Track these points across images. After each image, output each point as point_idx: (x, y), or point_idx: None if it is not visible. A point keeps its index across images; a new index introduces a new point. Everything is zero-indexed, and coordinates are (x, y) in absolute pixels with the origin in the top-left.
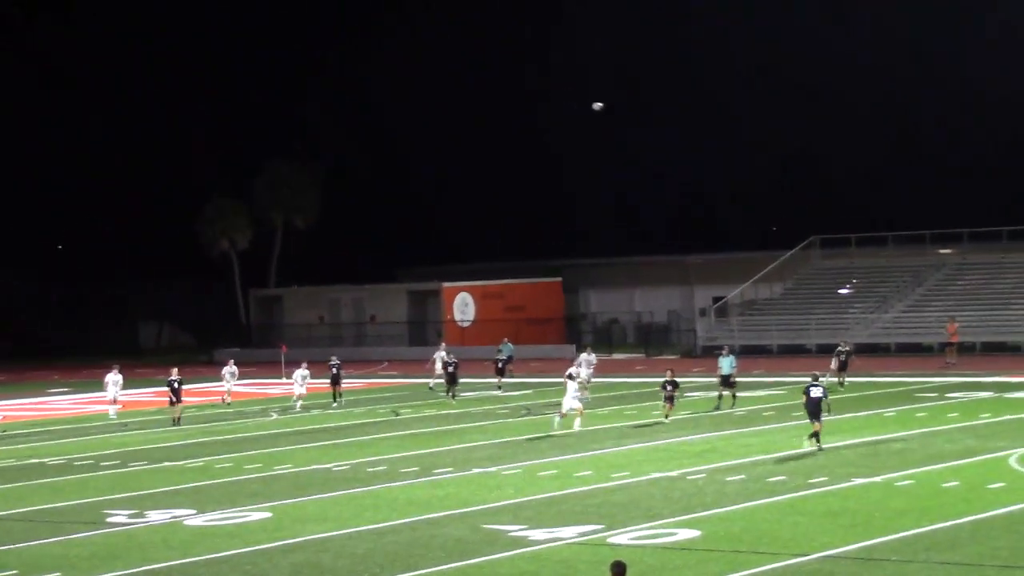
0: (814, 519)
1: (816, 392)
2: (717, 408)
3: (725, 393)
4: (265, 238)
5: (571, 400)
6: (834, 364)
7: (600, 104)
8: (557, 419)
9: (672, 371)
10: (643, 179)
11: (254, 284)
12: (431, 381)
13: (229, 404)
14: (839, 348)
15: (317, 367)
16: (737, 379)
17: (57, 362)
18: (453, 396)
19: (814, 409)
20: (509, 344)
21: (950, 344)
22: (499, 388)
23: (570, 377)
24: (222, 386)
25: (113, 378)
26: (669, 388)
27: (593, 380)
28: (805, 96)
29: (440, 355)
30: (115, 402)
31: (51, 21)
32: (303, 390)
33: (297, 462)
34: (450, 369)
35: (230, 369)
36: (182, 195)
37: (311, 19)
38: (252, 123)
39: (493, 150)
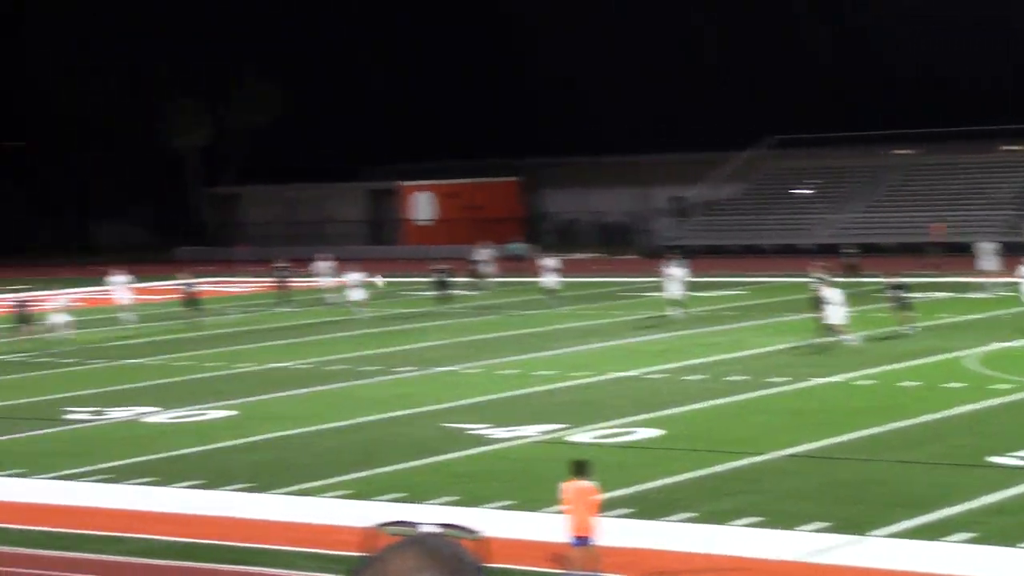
0: (775, 418)
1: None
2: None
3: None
4: (225, 137)
5: None
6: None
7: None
8: None
9: (893, 273)
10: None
11: (213, 184)
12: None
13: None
14: (844, 250)
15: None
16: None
17: (10, 260)
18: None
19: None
20: (522, 244)
21: (934, 245)
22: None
23: None
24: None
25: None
26: (894, 291)
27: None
28: None
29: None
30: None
31: None
32: (361, 294)
33: (258, 361)
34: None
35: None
36: (144, 96)
37: None
38: (215, 23)
39: (454, 45)
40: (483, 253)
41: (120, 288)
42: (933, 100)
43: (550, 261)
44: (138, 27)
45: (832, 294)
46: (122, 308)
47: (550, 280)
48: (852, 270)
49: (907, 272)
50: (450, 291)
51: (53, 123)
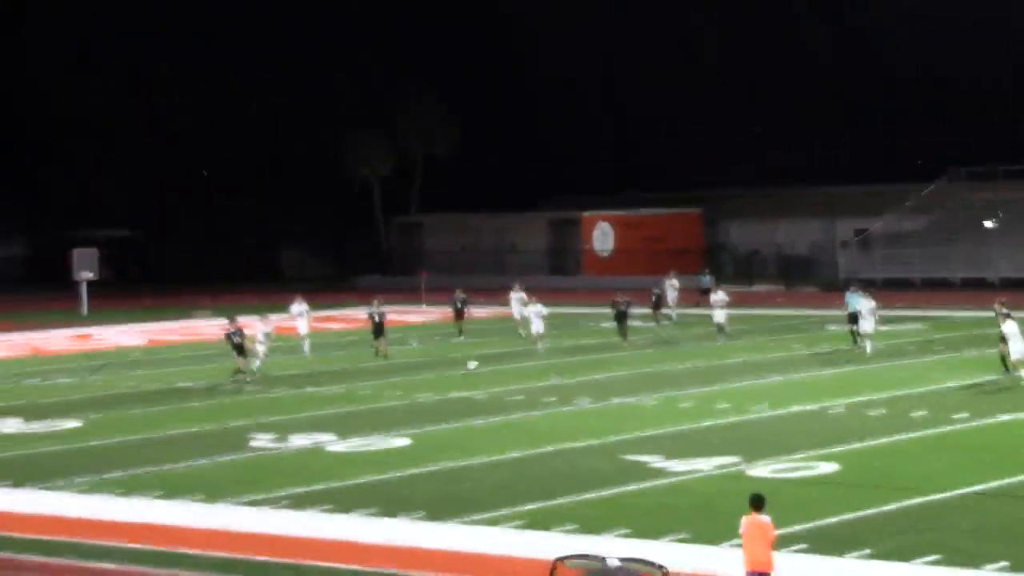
0: (957, 454)
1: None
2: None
3: (854, 329)
4: (406, 167)
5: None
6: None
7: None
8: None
9: None
10: (787, 110)
11: (395, 213)
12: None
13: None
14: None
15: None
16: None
17: (201, 287)
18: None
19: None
20: (710, 276)
21: None
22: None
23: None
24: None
25: (297, 308)
26: None
27: (731, 312)
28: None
29: (518, 296)
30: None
31: None
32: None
33: (437, 390)
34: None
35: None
36: (324, 127)
37: None
38: (390, 54)
39: (636, 80)
40: (669, 284)
41: (301, 317)
42: None
43: (718, 296)
44: (312, 57)
45: (1011, 329)
46: (303, 336)
47: (720, 315)
48: None
49: None
50: (628, 322)
51: (230, 152)
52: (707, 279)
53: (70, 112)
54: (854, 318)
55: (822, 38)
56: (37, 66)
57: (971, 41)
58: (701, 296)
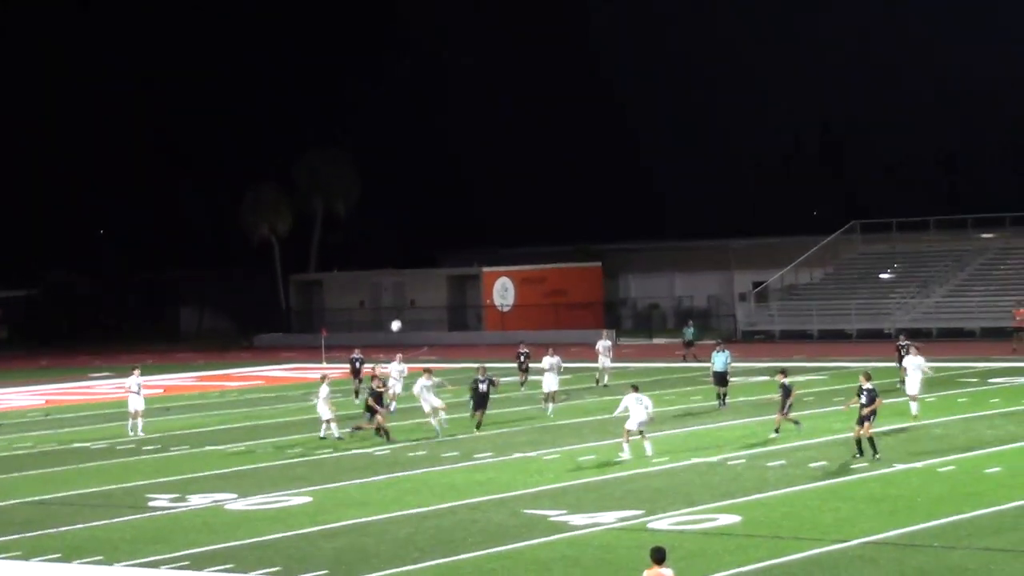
0: (856, 504)
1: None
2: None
3: (721, 390)
4: (305, 224)
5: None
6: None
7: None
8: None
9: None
10: (681, 163)
11: (295, 270)
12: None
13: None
14: (900, 343)
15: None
16: (731, 377)
17: (98, 348)
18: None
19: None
20: (691, 328)
21: (1019, 330)
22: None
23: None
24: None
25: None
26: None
27: (626, 365)
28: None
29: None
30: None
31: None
32: (397, 388)
33: (338, 447)
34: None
35: (398, 367)
36: (222, 183)
37: (343, 8)
38: (290, 111)
39: (533, 134)
40: (601, 340)
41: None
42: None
43: (603, 344)
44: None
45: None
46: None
47: (604, 364)
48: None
49: (994, 357)
50: (527, 375)
51: (127, 209)
52: (691, 332)
53: None
54: (722, 378)
55: (724, 94)
56: None
57: (868, 99)
58: (686, 348)
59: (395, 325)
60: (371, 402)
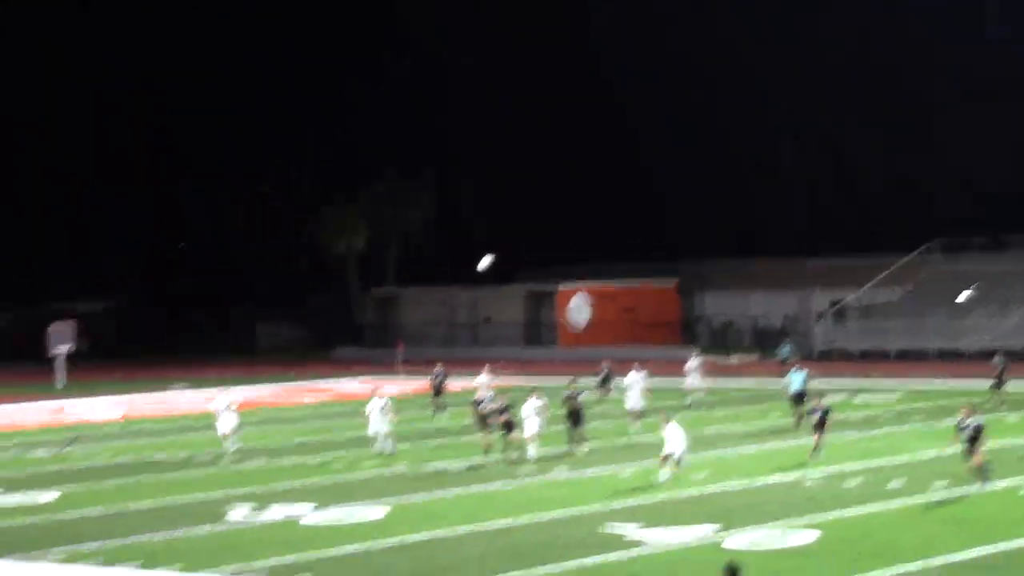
0: (934, 524)
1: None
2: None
3: (798, 409)
4: (382, 240)
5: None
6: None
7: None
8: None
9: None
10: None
11: (371, 285)
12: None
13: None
14: (995, 360)
15: (429, 368)
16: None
17: (176, 359)
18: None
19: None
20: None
21: None
22: None
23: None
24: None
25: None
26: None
27: (708, 383)
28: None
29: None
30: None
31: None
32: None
33: (413, 460)
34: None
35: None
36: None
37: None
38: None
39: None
40: (691, 361)
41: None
42: None
43: (692, 362)
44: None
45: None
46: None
47: (694, 383)
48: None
49: None
50: (610, 391)
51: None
52: (786, 350)
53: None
54: (799, 398)
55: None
56: None
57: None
58: (782, 367)
59: (485, 262)
60: (501, 419)
